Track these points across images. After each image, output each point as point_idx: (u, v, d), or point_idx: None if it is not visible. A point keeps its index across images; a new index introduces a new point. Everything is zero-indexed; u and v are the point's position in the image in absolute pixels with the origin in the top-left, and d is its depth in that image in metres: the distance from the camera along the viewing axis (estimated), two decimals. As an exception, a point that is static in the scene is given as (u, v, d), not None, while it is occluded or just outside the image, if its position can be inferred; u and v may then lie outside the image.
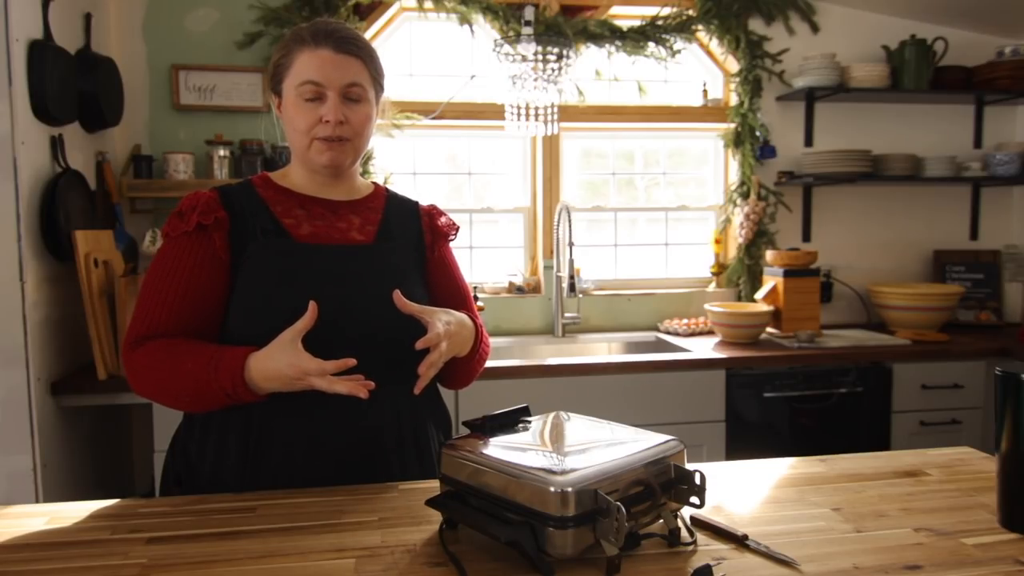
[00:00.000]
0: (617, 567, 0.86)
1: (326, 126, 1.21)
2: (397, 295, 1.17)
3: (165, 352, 1.15)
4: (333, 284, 1.21)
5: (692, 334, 2.94)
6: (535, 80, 2.68)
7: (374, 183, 1.40)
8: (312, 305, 1.09)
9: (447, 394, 2.31)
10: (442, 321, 1.18)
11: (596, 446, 0.96)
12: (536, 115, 2.75)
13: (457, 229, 1.43)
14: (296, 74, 1.22)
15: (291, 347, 1.08)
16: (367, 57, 1.26)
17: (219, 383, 1.10)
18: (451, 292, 1.39)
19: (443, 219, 1.41)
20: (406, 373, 1.26)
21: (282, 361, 1.08)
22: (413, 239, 1.35)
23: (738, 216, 3.11)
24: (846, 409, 2.61)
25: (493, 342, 1.44)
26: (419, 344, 1.13)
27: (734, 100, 3.14)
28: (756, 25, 3.11)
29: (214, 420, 1.20)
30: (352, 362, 1.08)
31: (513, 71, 2.70)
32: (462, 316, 1.28)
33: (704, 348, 2.68)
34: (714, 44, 3.15)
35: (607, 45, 2.99)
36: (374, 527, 1.01)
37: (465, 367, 1.34)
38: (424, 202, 1.43)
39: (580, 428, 1.05)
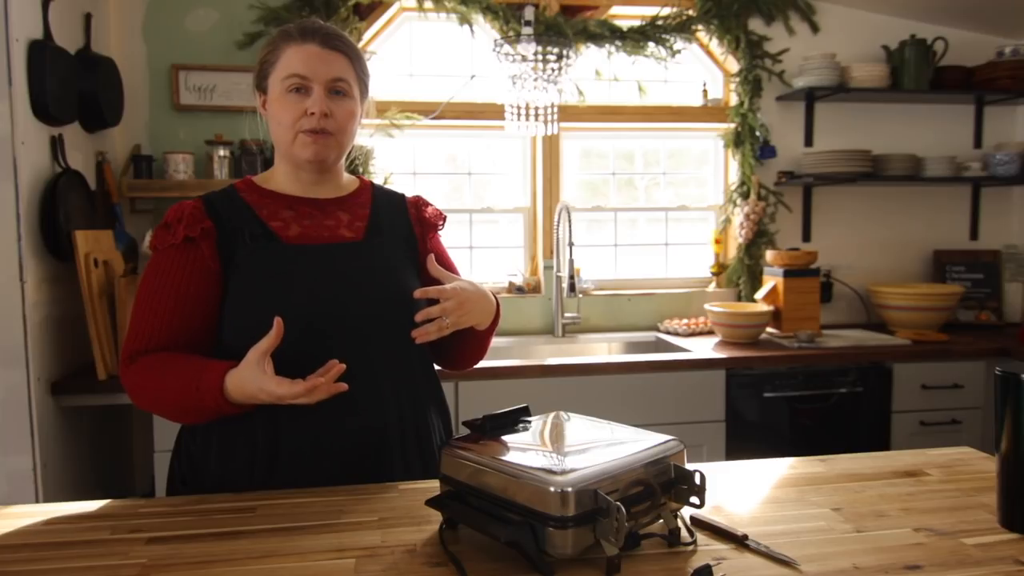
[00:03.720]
0: (617, 567, 0.86)
1: (311, 118, 1.21)
2: (430, 259, 1.23)
3: (154, 370, 1.15)
4: (326, 283, 1.21)
5: (692, 334, 2.94)
6: (535, 80, 2.68)
7: (359, 178, 1.39)
8: (277, 322, 1.07)
9: (447, 393, 2.32)
10: (455, 283, 1.21)
11: (596, 446, 0.96)
12: (536, 115, 2.75)
13: (444, 219, 1.42)
14: (283, 68, 1.22)
15: (257, 370, 1.06)
16: (353, 55, 1.27)
17: (204, 403, 1.11)
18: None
19: (429, 209, 1.40)
20: (404, 368, 1.26)
21: (252, 385, 1.07)
22: (403, 233, 1.35)
23: (738, 216, 3.11)
24: (846, 409, 2.61)
25: (494, 342, 1.44)
26: (422, 295, 1.17)
27: (734, 100, 3.14)
28: (756, 25, 3.11)
29: (217, 421, 1.19)
30: (341, 368, 1.09)
31: (513, 71, 2.70)
32: (483, 287, 1.29)
33: (704, 348, 2.68)
34: (714, 44, 3.15)
35: (607, 45, 2.99)
36: (374, 527, 1.01)
37: (479, 341, 1.34)
38: (409, 194, 1.42)
39: (580, 428, 1.05)
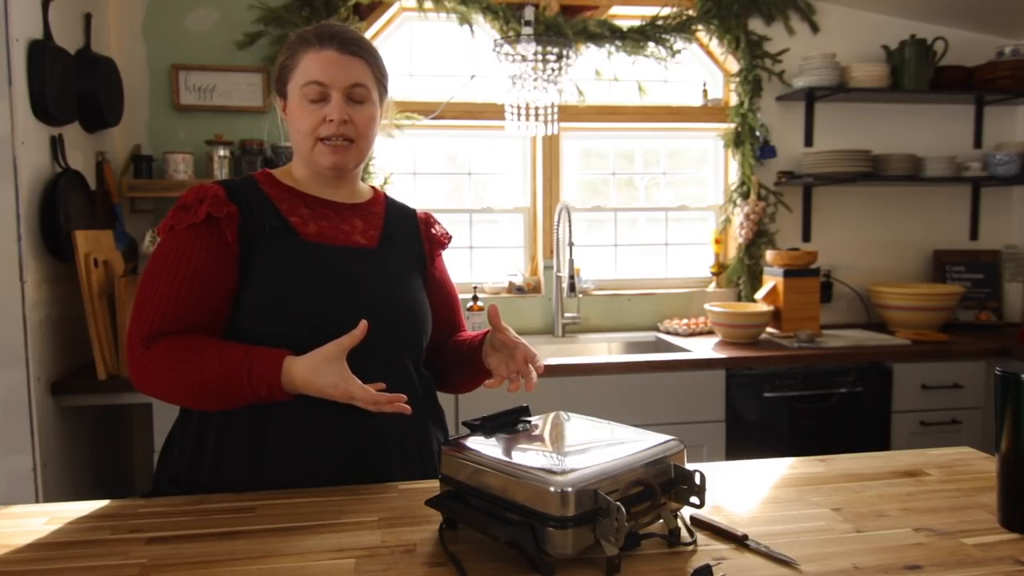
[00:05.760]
0: (617, 567, 0.86)
1: (330, 125, 1.22)
2: (493, 308, 1.25)
3: (188, 352, 1.12)
4: (340, 284, 1.21)
5: (692, 334, 2.94)
6: (535, 80, 2.68)
7: (372, 188, 1.41)
8: (362, 324, 1.11)
9: (447, 394, 2.32)
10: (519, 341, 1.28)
11: (596, 446, 0.96)
12: (536, 115, 2.75)
13: (450, 239, 1.45)
14: (301, 75, 1.23)
15: (338, 365, 1.09)
16: (371, 58, 1.27)
17: (253, 388, 1.10)
18: (445, 301, 1.42)
19: (438, 228, 1.43)
20: (404, 373, 1.27)
21: (327, 380, 1.09)
22: (413, 246, 1.37)
23: (738, 216, 3.11)
24: (846, 409, 2.61)
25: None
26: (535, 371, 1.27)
27: (734, 100, 3.14)
28: (756, 25, 3.11)
29: (213, 420, 1.19)
30: (382, 386, 1.13)
31: (513, 71, 2.70)
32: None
33: (704, 348, 2.68)
34: (714, 44, 3.15)
35: (607, 45, 2.99)
36: (374, 527, 1.01)
37: (483, 378, 1.37)
38: (420, 210, 1.44)
39: (580, 428, 1.05)
